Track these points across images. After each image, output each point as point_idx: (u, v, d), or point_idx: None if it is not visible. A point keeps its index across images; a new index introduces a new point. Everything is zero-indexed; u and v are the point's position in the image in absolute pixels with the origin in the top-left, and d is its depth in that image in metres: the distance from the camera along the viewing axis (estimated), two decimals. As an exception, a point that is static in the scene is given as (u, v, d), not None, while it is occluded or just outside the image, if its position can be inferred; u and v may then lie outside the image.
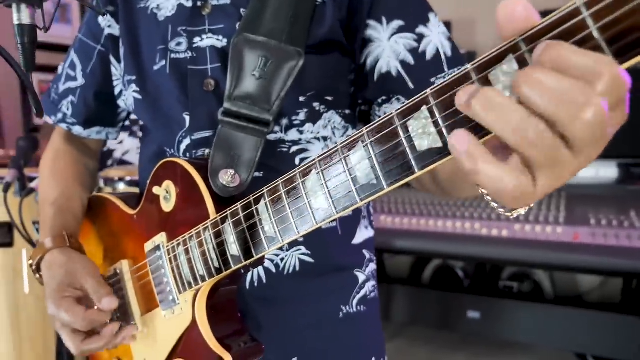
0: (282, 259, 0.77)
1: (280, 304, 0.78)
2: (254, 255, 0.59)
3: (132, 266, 0.80)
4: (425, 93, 0.41)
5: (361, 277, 0.85)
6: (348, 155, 0.47)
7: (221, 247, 0.62)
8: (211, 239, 0.64)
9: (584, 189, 2.31)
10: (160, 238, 0.73)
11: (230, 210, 0.61)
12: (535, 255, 1.90)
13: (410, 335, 2.77)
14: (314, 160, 0.51)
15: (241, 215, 0.60)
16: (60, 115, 0.92)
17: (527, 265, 2.30)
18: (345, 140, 0.48)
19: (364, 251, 0.86)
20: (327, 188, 0.50)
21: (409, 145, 0.42)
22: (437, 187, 0.69)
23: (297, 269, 0.78)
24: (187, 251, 0.68)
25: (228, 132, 0.69)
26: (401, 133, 0.43)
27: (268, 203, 0.56)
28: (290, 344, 0.78)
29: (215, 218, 0.63)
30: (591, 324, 2.12)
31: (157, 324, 0.76)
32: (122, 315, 0.81)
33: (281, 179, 0.55)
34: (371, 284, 0.87)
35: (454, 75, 0.39)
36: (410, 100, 0.42)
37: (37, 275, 0.81)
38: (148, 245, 0.75)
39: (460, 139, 0.37)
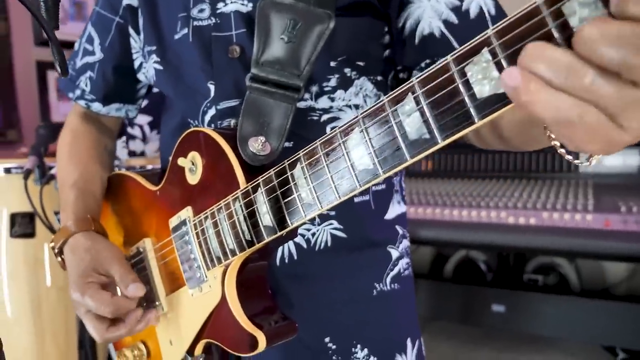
0: (313, 234, 0.74)
1: (312, 280, 0.75)
2: (289, 224, 0.55)
3: (156, 244, 0.77)
4: (486, 33, 0.36)
5: (394, 253, 0.81)
6: (396, 109, 0.44)
7: (253, 217, 0.59)
8: (242, 210, 0.60)
9: (610, 177, 2.24)
10: (186, 212, 0.70)
11: (262, 177, 0.58)
12: (566, 242, 1.84)
13: (433, 331, 2.72)
14: (356, 117, 0.47)
15: (275, 182, 0.56)
16: (78, 92, 0.89)
17: (557, 254, 2.24)
18: (393, 93, 0.44)
19: (397, 227, 0.83)
20: (372, 147, 0.46)
21: (467, 93, 0.38)
22: (499, 139, 0.64)
23: (329, 244, 0.74)
24: (215, 224, 0.64)
25: (256, 99, 0.66)
26: (458, 80, 0.39)
27: (305, 167, 0.53)
28: (322, 323, 0.75)
29: (246, 187, 0.60)
30: (620, 316, 2.06)
31: (183, 304, 0.73)
32: (146, 296, 0.78)
33: (319, 141, 0.51)
34: (405, 261, 0.84)
35: (521, 11, 0.34)
36: (468, 43, 0.38)
37: (59, 259, 0.79)
38: (173, 221, 0.72)
39: (511, 73, 0.33)
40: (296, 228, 0.63)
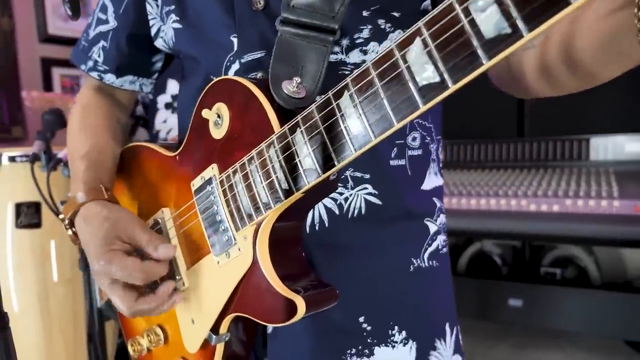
0: (346, 199, 0.67)
1: (344, 251, 0.68)
2: (335, 163, 0.49)
3: (175, 212, 0.71)
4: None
5: (432, 227, 0.75)
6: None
7: (290, 162, 0.53)
8: (277, 155, 0.54)
9: (630, 165, 2.18)
10: (211, 171, 0.63)
11: (301, 116, 0.52)
12: (592, 230, 1.78)
13: (448, 327, 2.64)
14: (415, 26, 0.41)
15: (317, 117, 0.50)
16: (90, 63, 0.83)
17: (583, 242, 2.17)
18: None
19: (434, 199, 0.76)
20: (437, 54, 0.40)
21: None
22: (575, 74, 0.55)
23: (363, 211, 0.68)
24: (245, 177, 0.58)
25: (289, 41, 0.60)
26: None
27: (354, 93, 0.46)
28: (356, 300, 0.68)
29: (282, 129, 0.54)
30: (643, 309, 2.00)
31: (207, 276, 0.66)
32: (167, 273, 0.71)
33: (370, 62, 0.45)
34: (442, 237, 0.77)
35: None
36: None
37: (70, 232, 0.72)
38: (195, 183, 0.66)
39: None
40: (336, 182, 0.57)
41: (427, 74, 0.40)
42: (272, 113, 0.56)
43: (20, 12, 2.79)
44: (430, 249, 0.73)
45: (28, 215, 1.47)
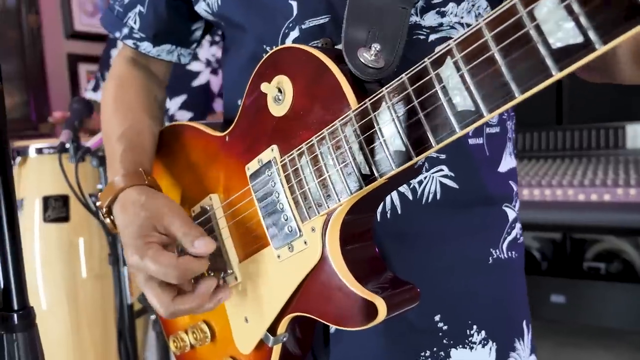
0: (420, 182, 0.60)
1: (417, 242, 0.61)
2: (432, 144, 0.40)
3: (225, 200, 0.64)
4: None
5: (511, 214, 0.67)
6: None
7: (372, 143, 0.45)
8: (356, 135, 0.46)
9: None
10: (270, 153, 0.56)
11: (387, 88, 0.43)
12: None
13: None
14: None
15: (410, 89, 0.41)
16: (125, 30, 0.76)
17: (632, 234, 2.06)
18: None
19: (511, 183, 0.68)
20: (581, 7, 0.31)
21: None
22: None
23: (438, 196, 0.60)
24: (315, 160, 0.50)
25: (363, 2, 0.52)
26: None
27: (460, 60, 0.38)
28: (431, 296, 0.60)
29: (363, 104, 0.45)
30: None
31: (265, 271, 0.59)
32: (215, 265, 0.64)
33: (482, 21, 0.36)
34: (519, 225, 0.70)
35: None
36: None
37: (108, 220, 0.65)
38: (251, 167, 0.58)
39: None
40: (421, 167, 0.49)
41: (563, 34, 0.32)
42: (347, 86, 0.48)
43: (46, 9, 2.77)
44: (509, 238, 0.66)
45: (56, 209, 1.41)
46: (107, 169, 0.70)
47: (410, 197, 0.60)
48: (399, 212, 0.60)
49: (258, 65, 0.57)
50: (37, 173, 1.45)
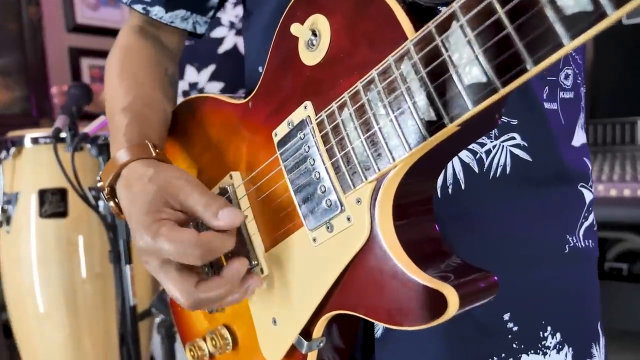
0: (487, 152, 0.50)
1: (483, 223, 0.51)
2: (527, 65, 0.29)
3: (247, 176, 0.53)
4: None
5: (588, 196, 0.57)
6: None
7: (439, 78, 0.34)
8: (417, 70, 0.35)
9: None
10: (302, 112, 0.45)
11: (458, 3, 0.33)
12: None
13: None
14: None
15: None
16: None
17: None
18: None
19: (585, 160, 0.58)
20: None
21: None
22: None
23: (508, 170, 0.51)
24: (360, 111, 0.39)
25: None
26: None
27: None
28: (500, 290, 0.50)
29: (426, 29, 0.35)
30: None
31: (296, 259, 0.48)
32: (236, 254, 0.53)
33: None
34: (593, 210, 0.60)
35: None
36: None
37: (112, 203, 0.55)
38: (279, 131, 0.48)
39: None
40: (499, 115, 0.39)
41: None
42: (401, 12, 0.38)
43: (47, 0, 2.68)
44: (586, 224, 0.56)
45: (53, 204, 1.31)
46: (110, 144, 0.60)
47: (476, 170, 0.50)
48: (463, 187, 0.50)
49: (287, 8, 0.47)
50: (33, 165, 1.35)
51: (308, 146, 0.44)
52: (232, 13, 1.53)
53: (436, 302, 0.37)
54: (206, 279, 0.46)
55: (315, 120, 0.43)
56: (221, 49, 1.46)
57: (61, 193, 1.32)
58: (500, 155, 0.50)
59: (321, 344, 0.49)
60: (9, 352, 1.97)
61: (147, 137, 0.56)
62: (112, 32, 2.23)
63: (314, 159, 0.44)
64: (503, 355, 0.51)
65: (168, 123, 0.63)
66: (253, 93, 0.53)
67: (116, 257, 1.18)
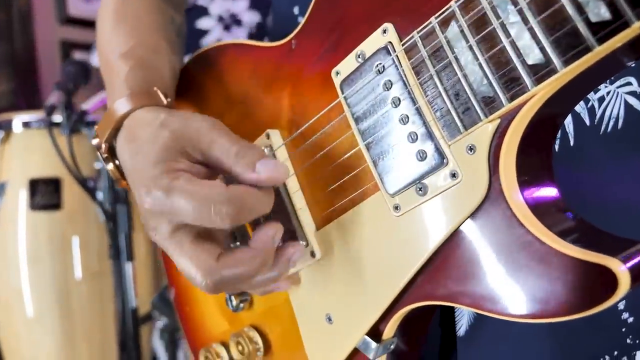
0: (600, 100, 0.40)
1: (592, 187, 0.41)
2: None
3: (290, 134, 0.42)
4: None
5: None
6: None
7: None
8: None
9: None
10: (380, 38, 0.34)
11: None
12: None
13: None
14: None
15: None
16: None
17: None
18: None
19: None
20: None
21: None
22: None
23: (620, 122, 0.41)
24: (480, 22, 0.29)
25: None
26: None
27: None
28: None
29: None
30: None
31: (364, 238, 0.37)
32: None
33: None
34: None
35: None
36: None
37: (111, 166, 0.43)
38: (343, 68, 0.36)
39: None
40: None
41: None
42: None
43: (37, -10, 2.58)
44: None
45: (46, 195, 1.20)
46: (107, 96, 0.48)
47: (587, 122, 0.40)
48: (571, 142, 0.40)
49: None
50: (23, 151, 1.23)
51: (390, 81, 0.33)
52: (223, 5, 1.41)
53: (599, 282, 0.26)
54: (230, 250, 0.35)
55: (402, 45, 0.32)
56: (204, 42, 1.33)
57: (55, 183, 1.20)
58: (614, 105, 0.40)
59: (392, 346, 0.38)
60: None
61: (154, 83, 0.45)
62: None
63: (398, 99, 0.33)
64: (616, 353, 0.41)
65: (176, 79, 0.52)
66: (297, 30, 0.42)
67: (116, 252, 1.06)
